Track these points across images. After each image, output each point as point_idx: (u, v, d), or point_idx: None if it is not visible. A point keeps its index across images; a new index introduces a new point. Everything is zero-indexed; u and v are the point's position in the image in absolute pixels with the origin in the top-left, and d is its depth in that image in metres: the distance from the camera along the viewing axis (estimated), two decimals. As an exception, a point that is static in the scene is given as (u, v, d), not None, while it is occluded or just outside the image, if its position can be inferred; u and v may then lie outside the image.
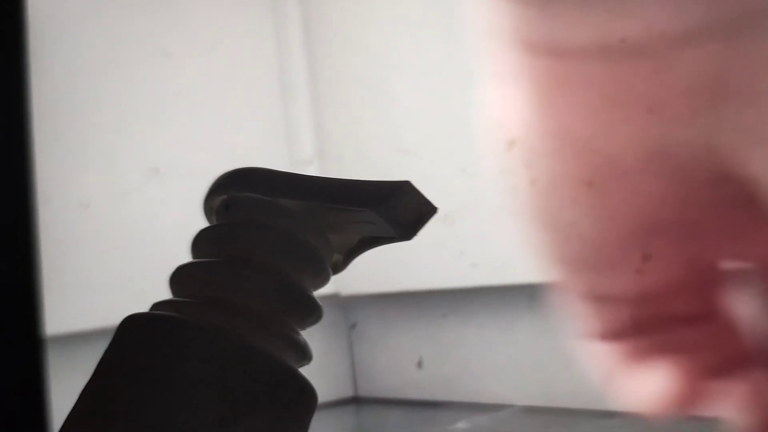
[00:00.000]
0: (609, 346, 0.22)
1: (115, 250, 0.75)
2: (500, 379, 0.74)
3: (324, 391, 0.87)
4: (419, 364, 0.81)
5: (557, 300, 0.22)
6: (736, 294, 0.22)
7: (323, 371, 0.86)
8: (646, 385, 0.22)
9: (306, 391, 0.22)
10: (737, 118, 0.18)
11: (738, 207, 0.19)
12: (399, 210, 0.22)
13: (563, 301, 0.22)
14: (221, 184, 0.23)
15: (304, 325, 0.23)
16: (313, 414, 0.22)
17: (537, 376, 0.72)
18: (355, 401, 0.87)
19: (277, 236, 0.22)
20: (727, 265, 0.22)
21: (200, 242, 0.23)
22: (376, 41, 0.81)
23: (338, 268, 0.25)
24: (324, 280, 0.23)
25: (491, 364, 0.75)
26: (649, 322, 0.22)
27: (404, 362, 0.82)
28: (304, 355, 0.23)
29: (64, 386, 0.70)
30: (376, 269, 0.80)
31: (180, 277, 0.23)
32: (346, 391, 0.87)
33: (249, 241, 0.22)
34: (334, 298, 0.85)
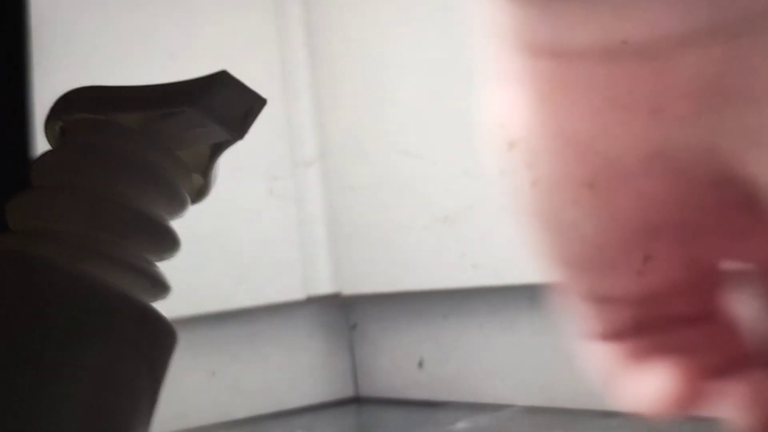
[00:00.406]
0: (610, 346, 0.22)
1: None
2: (501, 380, 0.75)
3: (325, 391, 0.88)
4: (420, 365, 0.81)
5: (558, 300, 0.22)
6: (736, 295, 0.22)
7: (324, 371, 0.87)
8: (647, 385, 0.22)
9: (149, 319, 0.20)
10: (739, 120, 0.18)
11: (739, 209, 0.20)
12: (220, 105, 0.20)
13: (564, 302, 0.22)
14: (56, 108, 0.22)
15: (158, 254, 0.21)
16: (168, 346, 0.20)
17: (538, 376, 0.72)
18: (356, 401, 0.87)
19: (111, 157, 0.20)
20: (728, 266, 0.22)
21: (35, 170, 0.21)
22: (378, 43, 0.81)
23: (203, 191, 0.23)
24: (179, 204, 0.21)
25: (492, 364, 0.75)
26: (650, 323, 0.22)
27: (405, 362, 0.82)
28: (156, 284, 0.21)
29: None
30: (377, 269, 0.81)
31: (12, 209, 0.21)
32: (347, 391, 0.87)
33: (79, 165, 0.21)
34: (335, 299, 0.85)
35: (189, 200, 0.22)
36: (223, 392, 0.81)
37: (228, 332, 0.81)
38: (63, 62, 0.75)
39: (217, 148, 0.22)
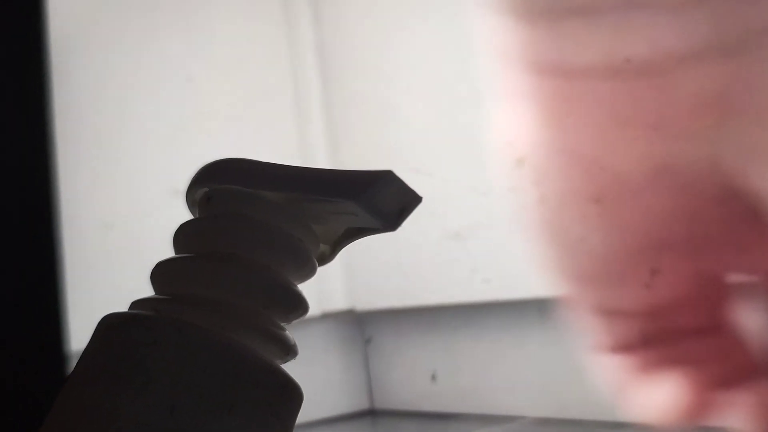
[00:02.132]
0: (619, 358, 0.22)
1: (138, 268, 0.75)
2: (512, 392, 0.74)
3: (341, 404, 0.88)
4: (433, 378, 0.81)
5: (568, 314, 0.22)
6: (742, 307, 0.22)
7: (340, 384, 0.87)
8: (656, 396, 0.22)
9: (288, 388, 0.20)
10: (742, 134, 0.18)
11: (744, 221, 0.20)
12: (380, 200, 0.21)
13: (573, 315, 0.22)
14: (202, 176, 0.22)
15: (289, 319, 0.22)
16: (297, 412, 0.21)
17: (548, 388, 0.71)
18: (371, 414, 0.87)
19: (257, 229, 0.21)
20: (734, 278, 0.22)
21: (181, 236, 0.22)
22: (388, 64, 0.81)
23: (325, 259, 0.24)
24: (309, 272, 0.22)
25: (503, 376, 0.75)
26: (658, 335, 0.22)
27: (418, 375, 0.82)
28: (288, 350, 0.21)
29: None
30: (390, 285, 0.81)
31: (158, 274, 0.21)
32: (362, 404, 0.87)
33: (228, 234, 0.21)
34: (350, 314, 0.85)
35: (317, 268, 0.23)
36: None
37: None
38: (83, 84, 0.76)
39: (358, 231, 0.23)
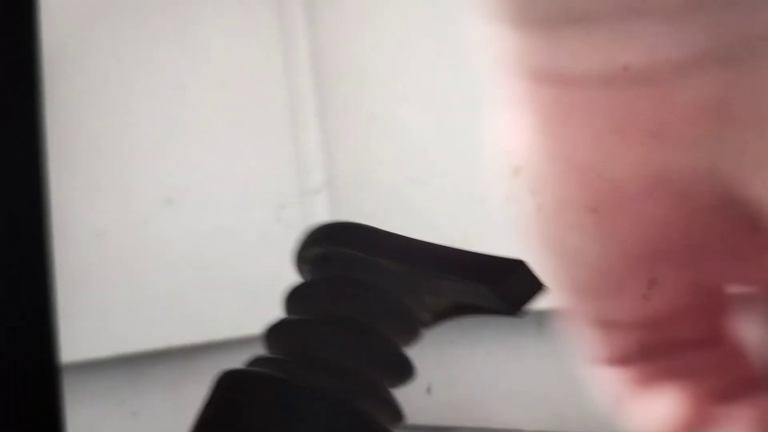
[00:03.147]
0: (617, 370, 0.22)
1: (131, 278, 0.75)
2: (509, 404, 0.74)
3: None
4: (428, 390, 0.81)
5: (565, 325, 0.22)
6: (742, 318, 0.22)
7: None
8: (654, 409, 0.22)
9: None
10: (741, 143, 0.18)
11: (743, 231, 0.20)
12: (512, 288, 0.21)
13: (571, 327, 0.22)
14: (320, 237, 0.22)
15: (397, 384, 0.23)
16: None
17: (546, 401, 0.71)
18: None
19: (377, 296, 0.21)
20: (733, 289, 0.22)
21: (298, 297, 0.22)
22: (384, 71, 0.81)
23: (425, 326, 0.24)
24: (414, 339, 0.23)
25: (500, 389, 0.75)
26: (656, 347, 0.22)
27: (414, 388, 0.82)
28: (399, 415, 0.22)
29: (80, 413, 0.70)
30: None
31: (279, 333, 0.22)
32: (356, 419, 0.87)
33: (350, 299, 0.22)
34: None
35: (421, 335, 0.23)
36: (231, 420, 0.80)
37: (237, 359, 0.81)
38: (74, 92, 0.76)
39: (472, 309, 0.23)
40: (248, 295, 0.80)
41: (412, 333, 0.22)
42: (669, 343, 0.22)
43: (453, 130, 0.74)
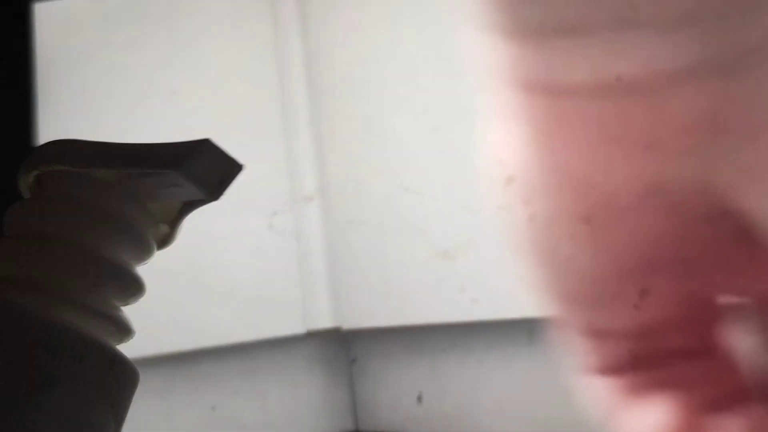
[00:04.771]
0: (608, 380, 0.22)
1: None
2: (500, 414, 0.74)
3: (325, 425, 0.87)
4: (419, 399, 0.81)
5: (556, 335, 0.22)
6: (734, 329, 0.22)
7: (324, 406, 0.86)
8: (645, 420, 0.22)
9: (117, 364, 0.20)
10: (734, 154, 0.18)
11: (736, 242, 0.20)
12: (200, 169, 0.21)
13: (562, 336, 0.22)
14: (32, 159, 0.22)
15: (124, 299, 0.22)
16: (129, 390, 0.21)
17: (537, 411, 0.71)
18: (356, 437, 0.86)
19: (85, 208, 0.21)
20: (725, 300, 0.22)
21: (9, 219, 0.22)
22: (377, 80, 0.81)
23: (168, 239, 0.24)
24: (144, 252, 0.22)
25: (491, 398, 0.75)
26: (648, 358, 0.22)
27: (404, 397, 0.82)
28: (121, 329, 0.21)
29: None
30: (376, 304, 0.80)
31: None
32: (347, 425, 0.87)
33: (54, 215, 0.21)
34: (335, 333, 0.85)
35: (155, 248, 0.23)
36: (223, 427, 0.80)
37: (228, 367, 0.81)
38: (67, 97, 0.76)
39: (189, 205, 0.23)
40: (240, 302, 0.80)
41: (135, 244, 0.22)
42: (661, 353, 0.22)
43: (446, 139, 0.74)
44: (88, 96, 0.78)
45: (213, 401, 0.80)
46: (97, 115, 0.78)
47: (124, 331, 0.21)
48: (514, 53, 0.19)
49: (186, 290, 0.78)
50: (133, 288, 0.22)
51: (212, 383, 0.80)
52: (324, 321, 0.84)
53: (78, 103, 0.77)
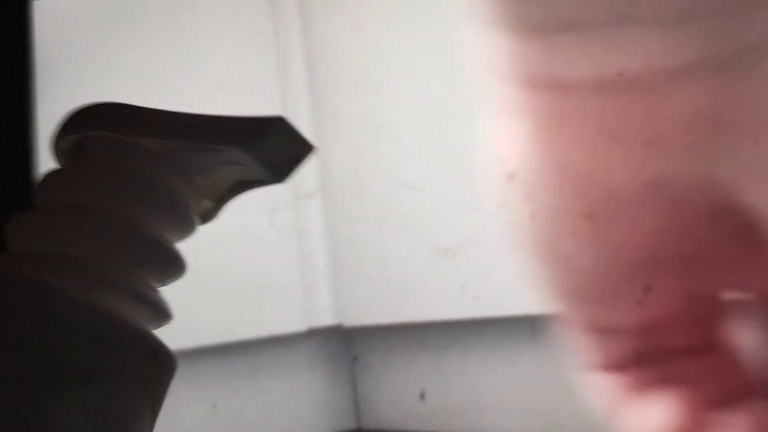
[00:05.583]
0: (611, 377, 0.22)
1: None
2: (503, 411, 0.74)
3: (327, 423, 0.87)
4: (422, 396, 0.81)
5: (559, 332, 0.22)
6: (737, 325, 0.22)
7: (326, 403, 0.86)
8: (649, 416, 0.22)
9: (159, 355, 0.19)
10: (735, 151, 0.18)
11: (737, 238, 0.20)
12: (270, 149, 0.19)
13: (565, 333, 0.22)
14: (72, 122, 0.20)
15: (164, 280, 0.20)
16: (168, 381, 0.19)
17: (539, 407, 0.71)
18: (358, 434, 0.86)
19: (129, 179, 0.19)
20: (728, 296, 0.22)
21: (42, 187, 0.19)
22: (378, 77, 0.81)
23: (209, 216, 0.22)
24: (188, 229, 0.20)
25: (494, 395, 0.75)
26: (651, 354, 0.22)
27: (407, 394, 0.82)
28: (161, 313, 0.19)
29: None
30: (378, 301, 0.80)
31: (17, 228, 0.19)
32: (350, 424, 0.87)
33: (95, 185, 0.19)
34: (337, 330, 0.85)
35: (197, 225, 0.21)
36: (224, 425, 0.80)
37: (229, 364, 0.81)
38: (67, 95, 0.76)
39: (244, 184, 0.21)
40: (241, 300, 0.80)
41: (180, 221, 0.19)
42: (664, 349, 0.22)
43: (447, 136, 0.74)
44: (88, 94, 0.78)
45: (214, 399, 0.80)
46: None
47: (163, 315, 0.20)
48: (515, 50, 0.19)
49: (186, 287, 0.77)
50: (175, 268, 0.20)
51: (213, 381, 0.80)
52: (325, 318, 0.84)
53: (78, 101, 0.77)
